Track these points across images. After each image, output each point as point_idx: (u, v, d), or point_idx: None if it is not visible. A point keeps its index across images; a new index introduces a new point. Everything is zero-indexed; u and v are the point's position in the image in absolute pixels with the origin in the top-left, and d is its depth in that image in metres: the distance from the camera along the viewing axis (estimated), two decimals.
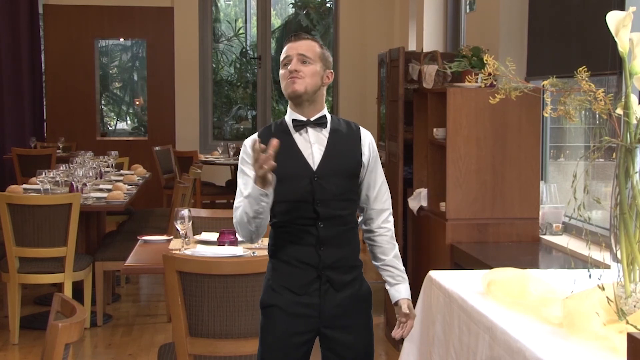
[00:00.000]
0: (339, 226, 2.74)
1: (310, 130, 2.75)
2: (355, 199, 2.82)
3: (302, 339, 2.76)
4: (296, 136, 2.76)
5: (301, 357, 2.78)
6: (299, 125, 2.75)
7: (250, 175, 2.72)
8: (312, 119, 2.75)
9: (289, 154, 2.73)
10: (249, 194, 2.63)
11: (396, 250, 2.89)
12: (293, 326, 2.74)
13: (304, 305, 2.73)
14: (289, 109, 2.79)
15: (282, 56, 2.75)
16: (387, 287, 2.85)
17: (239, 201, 2.76)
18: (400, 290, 2.83)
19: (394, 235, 2.90)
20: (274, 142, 2.53)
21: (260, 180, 2.57)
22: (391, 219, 2.90)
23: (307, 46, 2.73)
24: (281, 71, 2.75)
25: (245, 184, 2.74)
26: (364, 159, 2.79)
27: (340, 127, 2.80)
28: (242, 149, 2.82)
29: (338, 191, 2.72)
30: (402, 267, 2.88)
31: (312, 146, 2.74)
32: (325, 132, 2.77)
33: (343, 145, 2.77)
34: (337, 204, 2.72)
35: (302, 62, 2.71)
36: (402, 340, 2.87)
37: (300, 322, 2.74)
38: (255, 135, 2.80)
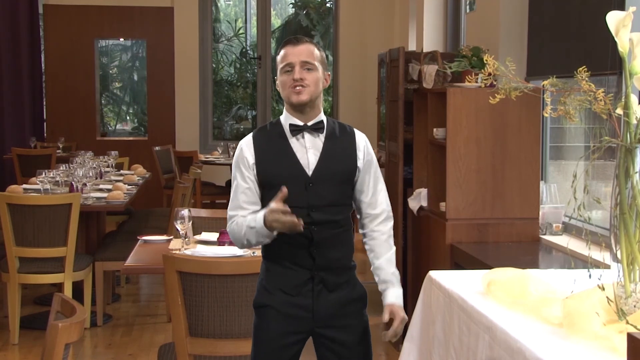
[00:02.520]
0: (332, 229, 2.73)
1: (306, 135, 2.73)
2: (350, 204, 2.81)
3: (294, 339, 2.76)
4: (292, 141, 2.73)
5: (292, 357, 2.79)
6: (296, 130, 2.73)
7: (244, 184, 2.72)
8: (309, 124, 2.73)
9: (284, 159, 2.71)
10: (257, 230, 2.63)
11: (390, 254, 2.84)
12: (286, 326, 2.75)
13: (297, 305, 2.73)
14: (285, 112, 2.76)
15: (282, 62, 2.69)
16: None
17: (233, 208, 2.75)
18: (386, 296, 2.81)
19: (389, 239, 2.86)
20: (284, 190, 2.57)
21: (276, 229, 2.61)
22: (389, 222, 2.86)
23: (308, 51, 2.69)
24: (282, 77, 2.69)
25: (244, 193, 2.73)
26: (359, 163, 2.78)
27: (336, 132, 2.78)
28: (237, 151, 2.78)
29: (332, 197, 2.72)
30: (394, 270, 2.83)
31: (308, 151, 2.73)
32: (321, 137, 2.74)
33: (338, 151, 2.75)
34: (332, 210, 2.72)
35: (306, 69, 2.68)
36: (402, 340, 2.87)
37: (293, 322, 2.74)
38: (250, 139, 2.77)
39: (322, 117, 2.76)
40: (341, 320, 2.77)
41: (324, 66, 2.75)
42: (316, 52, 2.72)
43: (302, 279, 2.72)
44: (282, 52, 2.71)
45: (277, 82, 2.76)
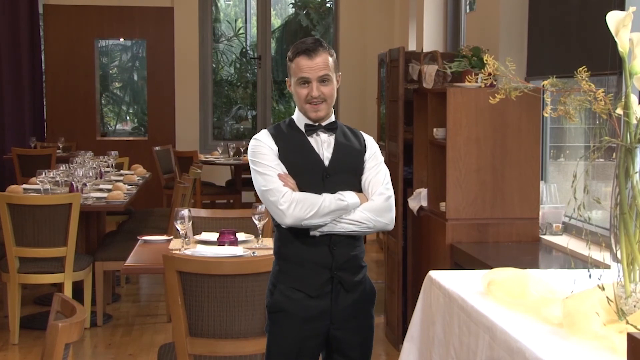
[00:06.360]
0: None
1: (321, 133, 2.81)
2: None
3: (314, 343, 2.78)
4: (309, 138, 2.82)
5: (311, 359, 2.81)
6: (311, 130, 2.80)
7: (274, 164, 2.72)
8: (323, 124, 2.81)
9: (302, 150, 2.79)
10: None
11: (370, 203, 2.77)
12: (305, 331, 2.75)
13: (317, 308, 2.74)
14: (298, 113, 2.83)
15: (298, 74, 2.74)
16: None
17: (277, 186, 2.71)
18: None
19: (381, 197, 2.79)
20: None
21: None
22: (383, 194, 2.81)
23: (324, 63, 2.74)
24: (297, 88, 2.75)
25: (278, 167, 2.74)
26: (366, 156, 2.85)
27: (345, 131, 2.88)
28: (255, 144, 2.79)
29: (347, 189, 2.77)
30: (358, 215, 2.76)
31: (323, 145, 2.80)
32: (333, 135, 2.83)
33: (349, 146, 2.84)
34: None
35: (322, 82, 2.74)
36: (402, 340, 2.88)
37: (312, 326, 2.75)
38: (266, 132, 2.81)
39: (333, 117, 2.85)
40: (354, 321, 2.81)
41: (337, 70, 2.82)
42: (331, 61, 2.77)
43: (322, 279, 2.74)
44: (296, 62, 2.75)
45: (289, 85, 2.82)
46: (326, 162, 2.78)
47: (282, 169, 2.74)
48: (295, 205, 2.67)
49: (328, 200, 2.69)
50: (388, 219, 2.79)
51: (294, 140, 2.80)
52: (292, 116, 2.86)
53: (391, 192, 2.82)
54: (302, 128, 2.81)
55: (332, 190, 2.74)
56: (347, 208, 2.71)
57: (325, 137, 2.81)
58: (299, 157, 2.77)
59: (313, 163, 2.77)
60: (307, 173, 2.76)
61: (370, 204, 2.76)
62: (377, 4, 10.50)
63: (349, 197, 2.73)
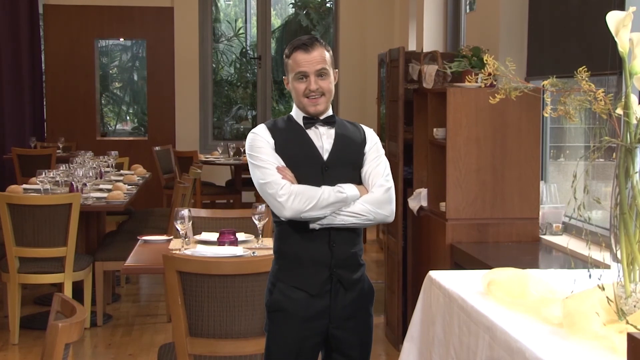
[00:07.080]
0: None
1: (319, 126, 2.81)
2: None
3: (313, 342, 2.78)
4: (307, 131, 2.81)
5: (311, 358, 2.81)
6: (309, 123, 2.80)
7: (271, 157, 2.72)
8: (321, 118, 2.81)
9: (301, 143, 2.78)
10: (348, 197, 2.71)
11: (370, 195, 2.77)
12: (304, 330, 2.75)
13: (316, 307, 2.74)
14: (296, 108, 2.83)
15: (295, 69, 2.74)
16: None
17: (276, 178, 2.71)
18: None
19: (381, 189, 2.78)
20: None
21: None
22: (383, 186, 2.80)
23: (321, 57, 2.74)
24: (295, 84, 2.76)
25: (276, 161, 2.73)
26: (366, 148, 2.85)
27: (345, 124, 2.88)
28: (252, 138, 2.78)
29: (347, 181, 2.76)
30: (358, 207, 2.76)
31: (322, 137, 2.80)
32: (332, 128, 2.82)
33: (350, 138, 2.83)
34: None
35: (320, 76, 2.74)
36: (402, 340, 2.88)
37: (311, 325, 2.75)
38: (264, 126, 2.81)
39: (331, 111, 2.85)
40: (353, 320, 2.80)
41: (334, 66, 2.83)
42: (327, 56, 2.78)
43: (322, 277, 2.74)
44: (294, 58, 2.76)
45: (286, 83, 2.82)
46: (325, 155, 2.78)
47: (279, 161, 2.74)
48: (294, 198, 2.66)
49: (327, 193, 2.68)
50: (388, 210, 2.79)
51: (292, 133, 2.79)
52: (290, 113, 2.86)
53: (391, 184, 2.82)
54: (301, 122, 2.80)
55: (332, 184, 2.73)
56: (346, 200, 2.70)
57: (325, 130, 2.81)
58: (297, 150, 2.77)
59: (311, 156, 2.77)
60: (305, 166, 2.75)
61: (370, 196, 2.76)
62: (377, 4, 10.50)
63: (348, 189, 2.72)
